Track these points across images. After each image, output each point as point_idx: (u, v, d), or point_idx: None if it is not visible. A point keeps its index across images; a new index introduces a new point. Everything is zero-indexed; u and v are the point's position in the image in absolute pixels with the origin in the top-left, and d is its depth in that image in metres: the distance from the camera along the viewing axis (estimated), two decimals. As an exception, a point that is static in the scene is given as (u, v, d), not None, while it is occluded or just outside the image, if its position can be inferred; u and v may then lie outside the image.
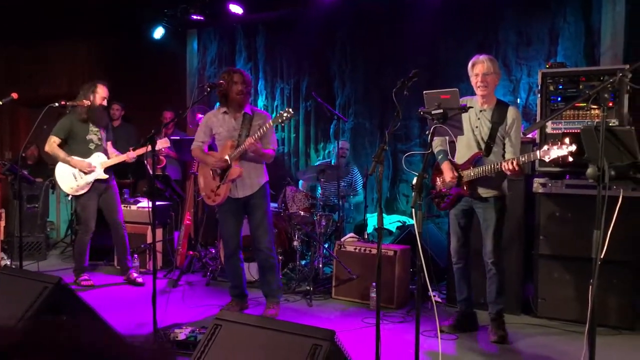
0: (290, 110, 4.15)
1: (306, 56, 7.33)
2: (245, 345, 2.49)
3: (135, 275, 5.52)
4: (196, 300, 4.99)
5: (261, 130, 4.18)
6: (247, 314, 4.33)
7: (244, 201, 4.46)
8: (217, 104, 6.69)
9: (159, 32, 7.68)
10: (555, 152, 3.42)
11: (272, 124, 4.17)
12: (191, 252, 5.97)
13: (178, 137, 6.67)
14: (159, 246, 6.20)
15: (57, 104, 5.09)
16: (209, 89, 4.22)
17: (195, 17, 7.37)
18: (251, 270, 5.26)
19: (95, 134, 5.40)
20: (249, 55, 7.81)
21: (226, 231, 4.56)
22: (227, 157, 4.33)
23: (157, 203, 6.12)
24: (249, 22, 7.66)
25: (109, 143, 5.52)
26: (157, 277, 4.97)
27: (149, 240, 5.90)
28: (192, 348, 3.25)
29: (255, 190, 4.44)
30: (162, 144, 5.33)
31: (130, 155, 5.30)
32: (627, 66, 3.17)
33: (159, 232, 6.20)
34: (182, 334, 3.68)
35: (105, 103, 5.45)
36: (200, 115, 6.67)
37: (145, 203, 6.24)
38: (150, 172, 4.85)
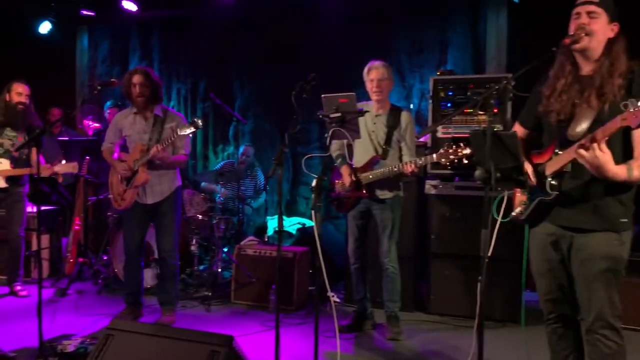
0: (193, 126, 3.92)
1: (204, 56, 7.20)
2: (139, 355, 2.40)
3: (18, 287, 5.14)
4: (87, 309, 4.73)
5: (170, 138, 4.03)
6: (141, 322, 4.18)
7: (152, 207, 4.30)
8: (108, 102, 6.45)
9: (45, 27, 7.21)
10: (451, 155, 3.60)
11: (180, 133, 3.98)
12: (81, 259, 5.67)
13: (67, 138, 6.31)
14: (45, 253, 5.85)
15: None
16: (99, 87, 4.01)
17: (85, 12, 7.01)
18: (146, 277, 5.07)
19: (9, 139, 4.95)
20: (144, 54, 7.55)
21: (128, 236, 4.38)
22: (133, 163, 4.17)
23: (43, 208, 5.77)
24: (144, 20, 7.41)
25: (34, 150, 4.71)
26: (44, 287, 4.70)
27: (34, 247, 5.55)
28: (82, 360, 3.08)
29: (166, 196, 4.30)
30: (66, 168, 4.92)
31: (46, 169, 4.81)
32: (510, 75, 3.38)
33: (45, 238, 5.87)
34: (70, 346, 3.48)
35: (24, 101, 4.96)
36: (87, 122, 6.35)
37: (30, 208, 5.83)
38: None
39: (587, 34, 2.30)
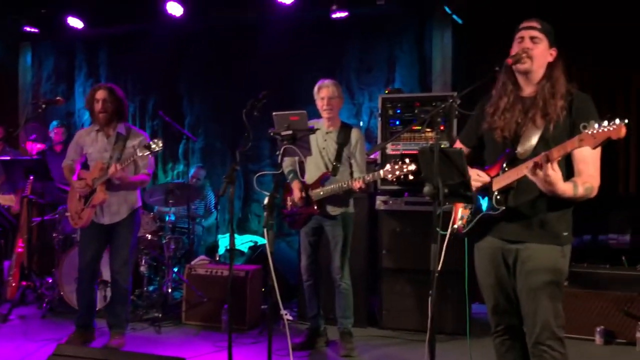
0: (155, 146, 3.86)
1: (153, 74, 7.12)
2: (87, 380, 2.33)
3: None
4: (31, 335, 4.54)
5: (131, 157, 3.94)
6: (89, 347, 4.05)
7: (109, 228, 4.20)
8: (54, 122, 6.28)
9: (-16, 43, 7.00)
10: (397, 171, 3.68)
11: (140, 153, 3.88)
12: (24, 283, 5.45)
13: (8, 158, 6.09)
14: (-16, 278, 5.59)
15: None
16: (43, 106, 3.92)
17: (29, 28, 6.82)
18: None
19: None
20: (90, 71, 7.42)
21: (83, 257, 4.24)
22: (92, 182, 4.07)
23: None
24: (91, 37, 7.28)
25: None
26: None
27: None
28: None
29: (123, 216, 4.19)
30: (2, 200, 4.77)
31: None
32: (456, 93, 3.45)
33: (-15, 261, 5.60)
34: (13, 374, 3.34)
35: None
36: (31, 145, 6.17)
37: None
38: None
39: (529, 57, 2.43)
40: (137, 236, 4.47)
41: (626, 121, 2.02)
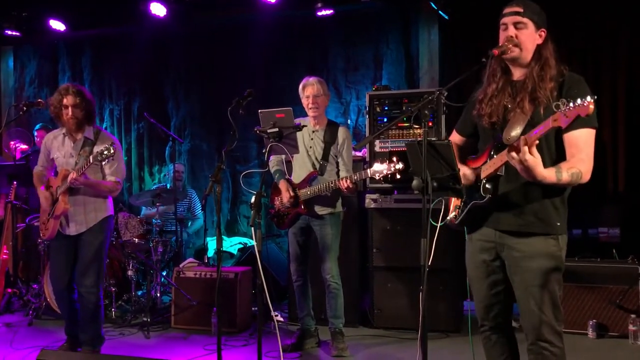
0: (106, 151, 3.56)
1: (137, 76, 7.04)
2: (71, 387, 2.27)
3: None
4: (16, 343, 4.46)
5: (87, 164, 3.66)
6: (75, 352, 3.96)
7: (76, 238, 3.95)
8: (37, 125, 6.18)
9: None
10: (385, 169, 3.63)
11: (92, 160, 3.61)
12: (9, 290, 5.36)
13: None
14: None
15: None
16: (24, 109, 3.79)
17: (10, 32, 6.71)
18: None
19: None
20: (74, 74, 7.32)
21: (54, 269, 4.04)
22: (55, 190, 3.89)
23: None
24: (73, 40, 7.19)
25: None
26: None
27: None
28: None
29: (90, 226, 3.92)
30: None
31: None
32: (437, 90, 3.39)
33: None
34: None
35: None
36: (13, 145, 6.07)
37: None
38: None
39: (515, 45, 2.37)
40: (108, 246, 4.11)
41: (595, 97, 1.97)
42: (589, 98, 1.96)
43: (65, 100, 3.84)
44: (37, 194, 4.14)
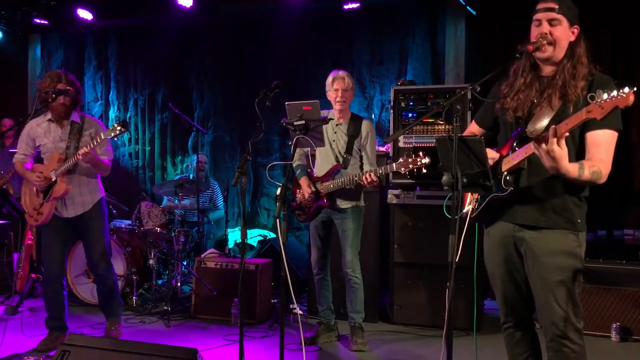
0: (119, 127, 3.67)
1: (162, 66, 7.07)
2: (97, 372, 2.29)
3: None
4: (40, 327, 4.51)
5: (94, 142, 3.76)
6: (101, 337, 4.00)
7: (74, 221, 4.03)
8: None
9: (-7, 35, 6.98)
10: (411, 164, 3.60)
11: (104, 136, 3.74)
12: (33, 275, 5.43)
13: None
14: (-6, 270, 5.58)
15: None
16: (54, 96, 3.85)
17: (38, 21, 6.78)
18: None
19: None
20: (100, 63, 7.38)
21: (48, 254, 4.06)
22: (51, 173, 3.91)
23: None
24: (100, 29, 7.24)
25: None
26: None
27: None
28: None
29: (88, 208, 4.02)
30: None
31: None
32: (469, 85, 3.37)
33: (-5, 253, 5.59)
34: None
35: None
36: None
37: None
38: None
39: (549, 43, 2.33)
40: (108, 225, 4.35)
41: (635, 89, 1.92)
42: (627, 89, 1.91)
43: (59, 87, 3.90)
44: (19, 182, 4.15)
